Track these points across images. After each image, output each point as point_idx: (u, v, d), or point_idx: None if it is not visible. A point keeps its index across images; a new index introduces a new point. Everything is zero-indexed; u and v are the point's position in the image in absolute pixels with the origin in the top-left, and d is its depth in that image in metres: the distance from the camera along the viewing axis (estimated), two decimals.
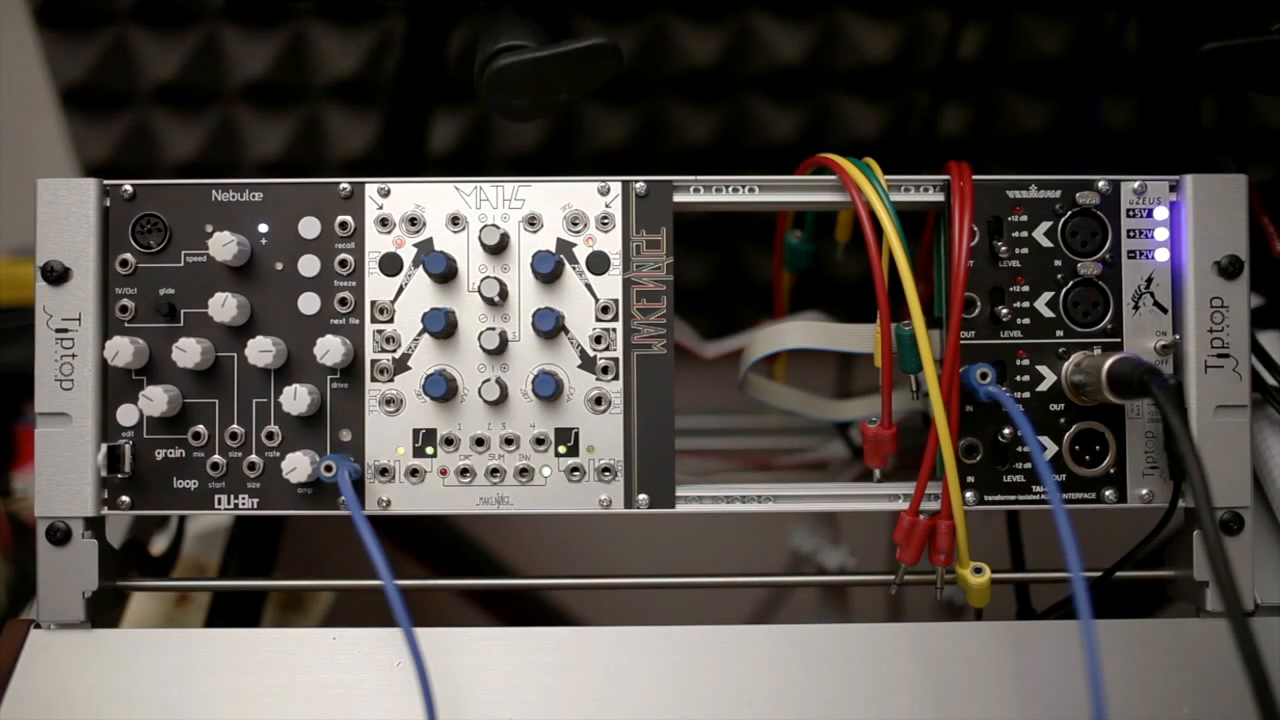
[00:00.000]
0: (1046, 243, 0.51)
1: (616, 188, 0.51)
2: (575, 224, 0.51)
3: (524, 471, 0.51)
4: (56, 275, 0.50)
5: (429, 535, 0.90)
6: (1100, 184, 0.51)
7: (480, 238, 0.50)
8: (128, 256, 0.51)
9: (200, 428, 0.50)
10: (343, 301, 0.51)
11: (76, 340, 0.50)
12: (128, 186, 0.51)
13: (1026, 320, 0.50)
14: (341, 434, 0.51)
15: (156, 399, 0.49)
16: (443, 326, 0.50)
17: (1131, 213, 0.51)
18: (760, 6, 0.92)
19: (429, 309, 0.50)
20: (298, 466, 0.49)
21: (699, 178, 0.51)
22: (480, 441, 0.51)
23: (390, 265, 0.51)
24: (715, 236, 0.99)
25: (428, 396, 0.50)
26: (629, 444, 0.50)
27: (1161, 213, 0.50)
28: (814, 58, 0.93)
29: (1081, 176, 0.51)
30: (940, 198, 0.50)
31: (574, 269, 0.51)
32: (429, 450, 0.51)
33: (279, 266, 0.51)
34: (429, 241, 0.51)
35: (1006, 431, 0.50)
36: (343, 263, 0.51)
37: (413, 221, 0.51)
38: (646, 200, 0.51)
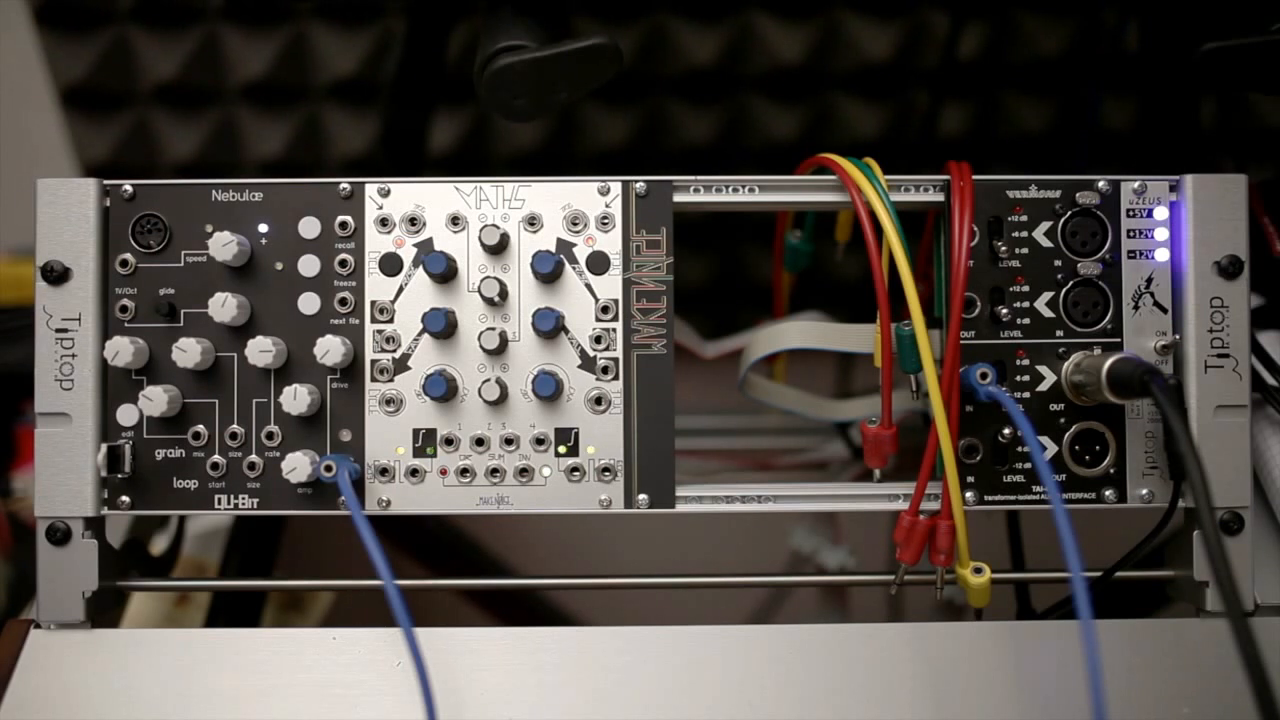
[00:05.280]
0: (1046, 243, 0.51)
1: (616, 188, 0.51)
2: (575, 224, 0.51)
3: (524, 471, 0.51)
4: (56, 275, 0.50)
5: (429, 535, 0.90)
6: (1100, 184, 0.51)
7: (480, 238, 0.50)
8: (128, 256, 0.51)
9: (200, 428, 0.50)
10: (343, 301, 0.51)
11: (76, 340, 0.50)
12: (128, 186, 0.51)
13: (1026, 320, 0.50)
14: (341, 434, 0.51)
15: (156, 399, 0.49)
16: (443, 326, 0.50)
17: (1131, 213, 0.51)
18: (760, 6, 0.92)
19: (429, 309, 0.50)
20: (298, 466, 0.49)
21: (699, 178, 0.51)
22: (480, 441, 0.51)
23: (390, 265, 0.51)
24: (715, 236, 0.99)
25: (428, 396, 0.50)
26: (629, 444, 0.50)
27: (1161, 213, 0.50)
28: (814, 58, 0.93)
29: (1081, 176, 0.51)
30: (940, 198, 0.50)
31: (574, 269, 0.51)
32: (429, 450, 0.51)
33: (279, 266, 0.51)
34: (429, 241, 0.51)
35: (1006, 431, 0.50)
36: (343, 263, 0.51)
37: (413, 221, 0.51)
38: (646, 200, 0.51)
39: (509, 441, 0.51)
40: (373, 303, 0.51)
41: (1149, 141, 0.91)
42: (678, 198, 0.51)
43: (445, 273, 0.50)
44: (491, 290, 0.50)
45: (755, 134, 0.96)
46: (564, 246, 0.51)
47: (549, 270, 0.50)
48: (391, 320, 0.51)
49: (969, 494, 0.50)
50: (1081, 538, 0.41)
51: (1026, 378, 0.50)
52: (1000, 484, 0.51)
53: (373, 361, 0.51)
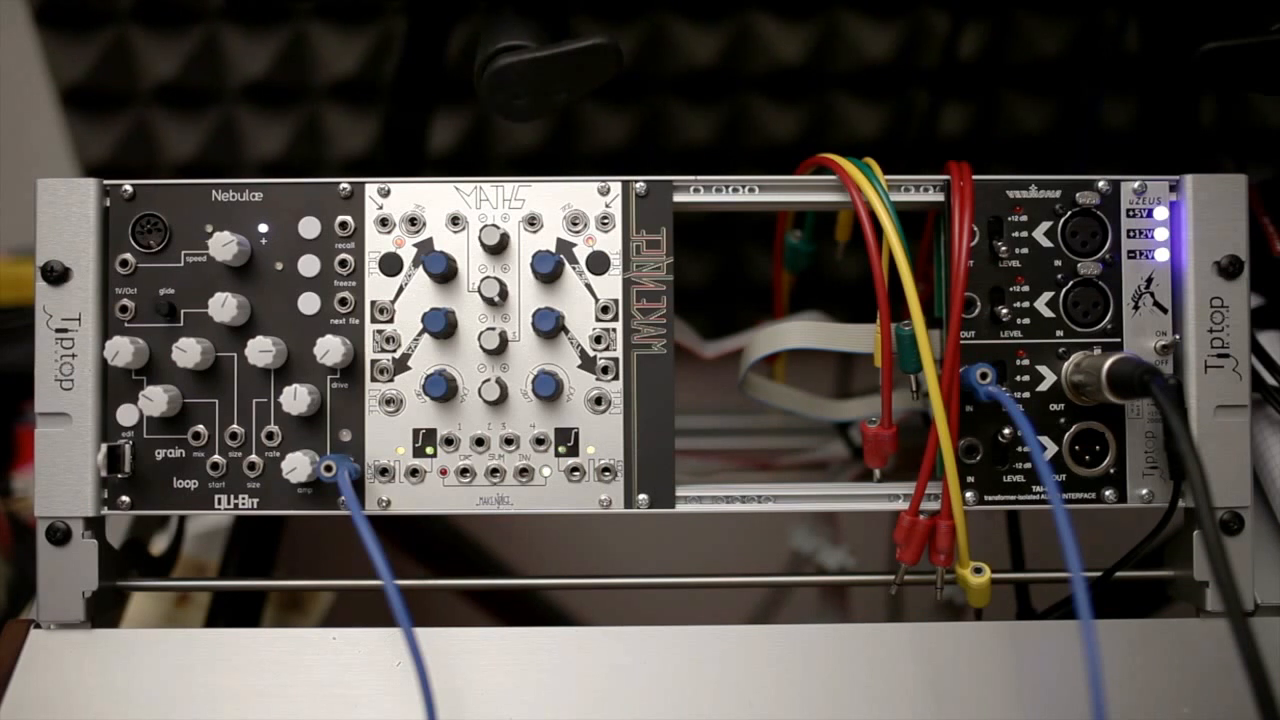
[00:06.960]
0: (1046, 243, 0.51)
1: (616, 188, 0.51)
2: (575, 224, 0.51)
3: (524, 471, 0.51)
4: (56, 275, 0.50)
5: (429, 535, 0.90)
6: (1100, 184, 0.51)
7: (480, 238, 0.50)
8: (128, 256, 0.51)
9: (200, 428, 0.50)
10: (343, 301, 0.51)
11: (76, 340, 0.50)
12: (128, 186, 0.51)
13: (1026, 320, 0.50)
14: (341, 434, 0.51)
15: (156, 399, 0.49)
16: (443, 326, 0.50)
17: (1131, 213, 0.51)
18: (760, 6, 0.92)
19: (429, 309, 0.50)
20: (298, 466, 0.49)
21: (699, 178, 0.51)
22: (480, 441, 0.51)
23: (390, 265, 0.51)
24: (715, 236, 0.99)
25: (428, 396, 0.50)
26: (629, 444, 0.50)
27: (1161, 213, 0.50)
28: (814, 58, 0.93)
29: (1081, 176, 0.51)
30: (940, 198, 0.50)
31: (574, 269, 0.51)
32: (429, 450, 0.51)
33: (279, 266, 0.51)
34: (429, 241, 0.51)
35: (1006, 431, 0.50)
36: (343, 263, 0.51)
37: (413, 221, 0.51)
38: (646, 200, 0.51)
39: (509, 441, 0.51)
40: (373, 303, 0.51)
41: (1149, 141, 0.91)
42: (678, 198, 0.51)
43: (445, 273, 0.50)
44: (491, 290, 0.50)
45: (755, 134, 0.96)
46: (564, 246, 0.51)
47: (549, 270, 0.50)
48: (391, 320, 0.51)
49: (969, 494, 0.50)
50: (1081, 538, 0.41)
51: (1026, 378, 0.50)
52: (1000, 484, 0.51)
53: (373, 361, 0.51)
